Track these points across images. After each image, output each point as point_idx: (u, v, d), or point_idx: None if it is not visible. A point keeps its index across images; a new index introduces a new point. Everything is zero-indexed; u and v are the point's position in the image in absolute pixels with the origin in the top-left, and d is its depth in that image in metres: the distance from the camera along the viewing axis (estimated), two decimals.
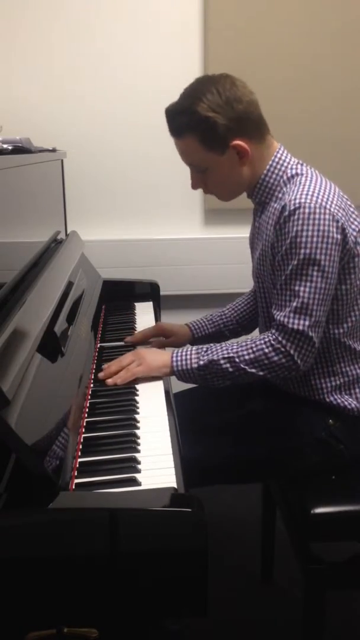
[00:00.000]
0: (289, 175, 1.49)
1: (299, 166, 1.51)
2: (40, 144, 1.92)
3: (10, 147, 1.59)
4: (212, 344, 1.50)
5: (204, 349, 1.49)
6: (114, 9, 2.33)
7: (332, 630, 1.57)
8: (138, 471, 1.11)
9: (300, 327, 1.40)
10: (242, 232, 2.42)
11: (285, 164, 1.51)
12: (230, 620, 1.83)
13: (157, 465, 1.13)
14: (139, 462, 1.13)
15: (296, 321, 1.40)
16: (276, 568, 2.01)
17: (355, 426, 1.54)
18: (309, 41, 2.39)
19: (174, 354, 1.50)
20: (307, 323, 1.40)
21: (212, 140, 1.45)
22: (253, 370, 1.44)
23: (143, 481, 1.07)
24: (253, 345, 1.44)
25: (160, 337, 1.80)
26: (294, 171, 1.50)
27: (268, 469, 1.57)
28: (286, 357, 1.42)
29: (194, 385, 1.78)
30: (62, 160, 2.17)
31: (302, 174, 1.48)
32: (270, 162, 1.51)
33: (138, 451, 1.18)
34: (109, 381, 1.48)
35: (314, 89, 2.42)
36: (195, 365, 1.47)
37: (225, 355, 1.45)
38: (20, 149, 1.64)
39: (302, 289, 1.40)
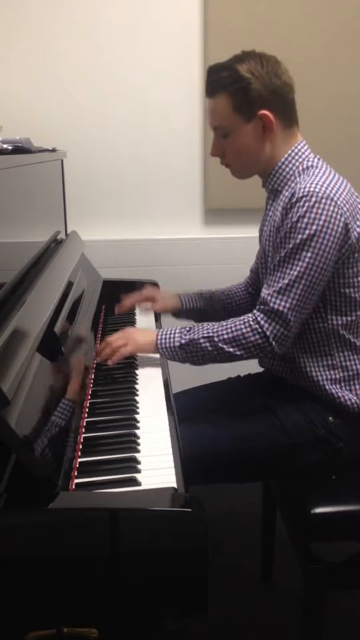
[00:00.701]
0: (305, 166, 1.53)
1: (315, 160, 1.55)
2: (40, 144, 1.92)
3: (10, 147, 1.58)
4: (195, 325, 1.55)
5: (187, 329, 1.54)
6: (113, 9, 2.34)
7: (332, 630, 1.57)
8: (138, 471, 1.11)
9: (281, 308, 1.43)
10: (242, 232, 2.43)
11: (303, 156, 1.55)
12: (230, 620, 1.83)
13: (157, 465, 1.13)
14: (139, 462, 1.13)
15: (278, 301, 1.43)
16: (276, 568, 2.01)
17: (356, 424, 1.55)
18: (309, 41, 2.39)
19: (159, 333, 1.56)
20: (287, 305, 1.43)
21: (242, 102, 1.50)
22: (230, 350, 1.48)
23: (143, 481, 1.07)
24: (232, 325, 1.49)
25: (147, 304, 1.91)
26: (309, 163, 1.53)
27: (268, 467, 1.57)
28: (262, 337, 1.46)
29: (194, 385, 1.79)
30: (62, 160, 2.17)
31: (316, 167, 1.51)
32: (290, 152, 1.54)
33: (138, 451, 1.18)
34: (99, 359, 1.56)
35: (314, 89, 2.41)
36: (177, 344, 1.53)
37: (205, 335, 1.50)
38: (20, 149, 1.64)
39: (291, 271, 1.43)
